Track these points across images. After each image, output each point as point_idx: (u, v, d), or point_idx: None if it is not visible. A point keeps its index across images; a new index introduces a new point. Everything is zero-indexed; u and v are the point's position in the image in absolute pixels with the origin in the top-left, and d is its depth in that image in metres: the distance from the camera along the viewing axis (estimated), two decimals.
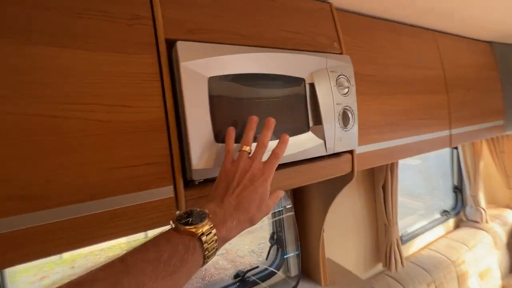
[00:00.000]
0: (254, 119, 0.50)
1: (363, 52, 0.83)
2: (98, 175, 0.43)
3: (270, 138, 0.49)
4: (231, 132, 0.49)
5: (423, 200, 2.33)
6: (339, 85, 0.66)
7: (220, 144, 0.51)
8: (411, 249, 1.50)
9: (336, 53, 0.72)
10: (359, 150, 0.78)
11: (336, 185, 0.82)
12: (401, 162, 1.36)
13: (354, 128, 0.69)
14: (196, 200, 0.51)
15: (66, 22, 0.42)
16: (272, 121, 0.50)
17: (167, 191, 0.48)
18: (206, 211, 0.39)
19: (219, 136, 0.50)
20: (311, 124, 0.62)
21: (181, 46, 0.47)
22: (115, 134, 0.44)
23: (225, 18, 0.57)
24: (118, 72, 0.45)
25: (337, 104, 0.65)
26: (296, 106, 0.61)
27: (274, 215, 1.03)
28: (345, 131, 0.67)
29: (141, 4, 0.48)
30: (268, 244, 1.05)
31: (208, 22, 0.54)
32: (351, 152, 0.75)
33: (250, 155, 0.47)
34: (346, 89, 0.67)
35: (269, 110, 0.57)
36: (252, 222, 0.43)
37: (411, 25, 1.01)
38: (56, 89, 0.40)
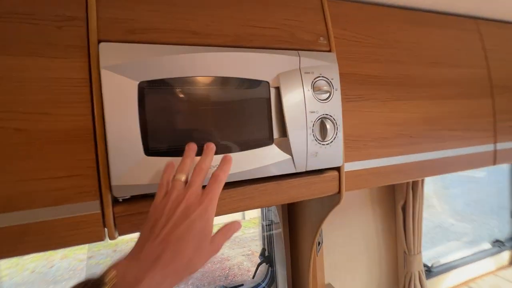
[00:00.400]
0: (192, 147, 0.42)
1: (365, 48, 0.68)
2: (10, 186, 0.40)
3: (210, 164, 0.41)
4: (169, 166, 0.42)
5: (474, 223, 1.95)
6: (316, 89, 0.54)
7: (152, 158, 0.45)
8: (443, 284, 1.25)
9: (323, 51, 0.61)
10: (352, 167, 0.65)
11: (324, 206, 0.70)
12: (457, 173, 1.12)
13: (336, 141, 0.57)
14: (127, 218, 0.46)
15: None
16: (211, 147, 0.42)
17: (92, 206, 0.44)
18: (108, 276, 0.30)
19: (150, 150, 0.45)
20: (275, 135, 0.52)
21: (104, 48, 0.42)
22: (32, 143, 0.41)
23: (176, 15, 0.50)
24: (41, 78, 0.42)
25: (311, 112, 0.54)
26: (257, 115, 0.51)
27: (263, 229, 0.94)
28: (323, 144, 0.55)
29: (76, 4, 0.45)
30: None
31: (155, 20, 0.49)
32: (338, 169, 0.62)
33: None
34: (326, 94, 0.55)
35: (220, 120, 0.49)
36: (190, 270, 0.35)
37: (440, 13, 0.81)
38: None
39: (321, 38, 0.61)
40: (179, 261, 0.33)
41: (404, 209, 1.04)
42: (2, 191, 0.40)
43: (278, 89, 0.52)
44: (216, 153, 0.48)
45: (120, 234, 0.47)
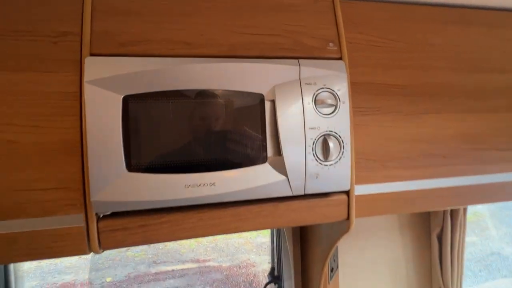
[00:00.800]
0: None
1: (386, 54, 0.60)
2: (2, 196, 0.42)
3: None
4: None
5: None
6: (318, 102, 0.48)
7: (134, 174, 0.43)
8: None
9: (333, 58, 0.54)
10: (365, 190, 0.56)
11: (333, 232, 0.62)
12: None
13: (343, 161, 0.50)
14: (111, 233, 0.45)
15: None
16: None
17: (76, 220, 0.44)
18: None
19: (132, 165, 0.43)
20: (269, 153, 0.47)
21: (89, 62, 0.42)
22: (22, 155, 0.43)
23: (168, 25, 0.49)
24: (34, 92, 0.44)
25: (312, 128, 0.47)
26: (250, 130, 0.47)
27: (272, 247, 0.88)
28: (326, 165, 0.49)
29: (71, 19, 0.46)
30: None
31: (147, 31, 0.48)
32: (346, 192, 0.54)
33: None
34: (331, 108, 0.49)
35: (210, 135, 0.46)
36: None
37: (484, 8, 0.68)
38: None
39: (330, 44, 0.55)
40: None
41: (440, 238, 0.89)
42: None
43: (273, 102, 0.47)
44: (206, 170, 0.45)
45: (103, 249, 0.46)
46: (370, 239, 0.94)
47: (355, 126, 0.56)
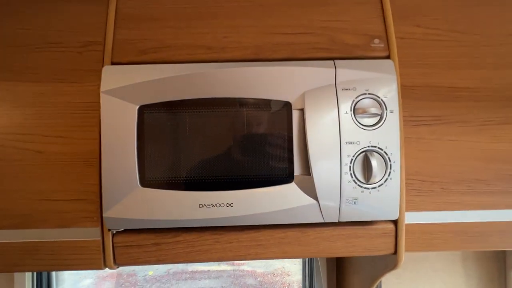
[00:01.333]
0: None
1: (452, 49, 0.48)
2: (28, 205, 0.43)
3: None
4: None
5: None
6: (358, 111, 0.39)
7: (147, 189, 0.40)
8: None
9: (378, 57, 0.45)
10: (418, 219, 0.45)
11: (375, 267, 0.52)
12: None
13: (390, 184, 0.40)
14: (126, 249, 0.43)
15: (21, 57, 0.45)
16: None
17: (93, 233, 0.43)
18: None
19: (146, 180, 0.40)
20: (297, 171, 0.40)
21: (106, 71, 0.40)
22: (47, 165, 0.43)
23: (189, 29, 0.46)
24: (60, 102, 0.44)
25: (349, 143, 0.39)
26: (275, 144, 0.41)
27: (304, 272, 0.79)
28: (367, 188, 0.39)
29: (95, 29, 0.45)
30: None
31: (168, 37, 0.45)
32: (394, 221, 0.44)
33: None
34: (375, 118, 0.40)
35: (229, 150, 0.41)
36: None
37: None
38: (2, 119, 0.44)
39: (376, 41, 0.45)
40: None
41: None
42: (22, 209, 0.43)
43: (302, 111, 0.40)
44: (222, 188, 0.40)
45: (118, 265, 0.44)
46: (422, 272, 0.78)
47: (407, 140, 0.45)
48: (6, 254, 0.43)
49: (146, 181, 0.40)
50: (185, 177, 0.40)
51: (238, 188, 0.40)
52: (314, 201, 0.39)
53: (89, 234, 0.43)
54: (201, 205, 0.40)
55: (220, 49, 0.45)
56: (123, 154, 0.40)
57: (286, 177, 0.40)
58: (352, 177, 0.39)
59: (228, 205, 0.40)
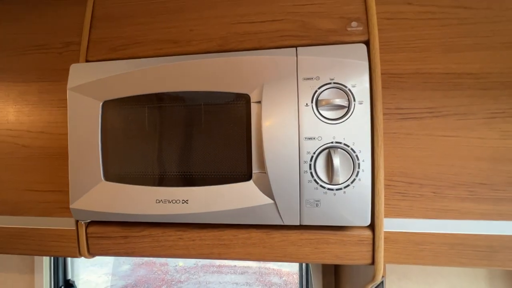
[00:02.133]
0: None
1: (450, 28, 0.40)
2: (16, 194, 0.47)
3: None
4: None
5: None
6: (322, 103, 0.35)
7: (110, 183, 0.41)
8: None
9: (357, 42, 0.40)
10: (406, 227, 0.39)
11: (358, 278, 0.47)
12: None
13: (359, 184, 0.35)
14: (97, 240, 0.45)
15: (11, 60, 0.49)
16: None
17: (69, 223, 0.46)
18: None
19: (109, 174, 0.41)
20: (255, 169, 0.38)
21: (73, 69, 0.42)
22: (32, 158, 0.47)
23: (157, 25, 0.45)
24: (43, 100, 0.47)
25: (309, 138, 0.35)
26: (234, 139, 0.39)
27: (300, 278, 0.75)
28: (331, 189, 0.35)
29: (74, 30, 0.48)
30: None
31: (137, 34, 0.46)
32: (372, 228, 0.39)
33: None
34: (340, 111, 0.35)
35: (189, 144, 0.40)
36: None
37: None
38: None
39: (353, 24, 0.40)
40: None
41: None
42: (11, 197, 0.47)
43: (260, 104, 0.37)
44: (177, 185, 0.39)
45: (92, 255, 0.46)
46: (436, 286, 0.69)
47: (390, 136, 0.39)
48: (4, 238, 0.47)
49: (109, 175, 0.41)
50: (144, 172, 0.40)
51: (193, 184, 0.39)
52: (271, 201, 0.36)
53: (66, 223, 0.46)
54: (157, 201, 0.39)
55: (186, 42, 0.44)
56: (88, 149, 0.41)
57: (243, 175, 0.38)
58: (312, 176, 0.35)
59: (183, 201, 0.39)
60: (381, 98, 0.38)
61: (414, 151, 0.39)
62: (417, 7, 0.41)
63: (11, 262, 0.80)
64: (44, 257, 0.79)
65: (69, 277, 0.86)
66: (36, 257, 0.78)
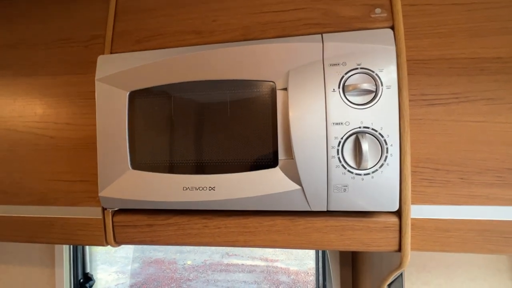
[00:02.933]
0: None
1: (475, 13, 0.40)
2: (44, 184, 0.48)
3: None
4: None
5: None
6: (349, 88, 0.35)
7: (137, 172, 0.42)
8: None
9: (380, 28, 0.40)
10: (433, 213, 0.39)
11: (382, 265, 0.46)
12: None
13: (387, 170, 0.35)
14: (124, 229, 0.46)
15: (39, 54, 0.50)
16: None
17: (96, 212, 0.47)
18: None
19: (136, 163, 0.42)
20: (281, 155, 0.38)
21: (100, 61, 0.43)
22: (58, 149, 0.48)
23: (180, 16, 0.46)
24: (70, 92, 0.48)
25: (336, 123, 0.35)
26: (260, 126, 0.39)
27: (317, 268, 0.75)
28: (359, 174, 0.35)
29: (99, 23, 0.49)
30: None
31: (161, 25, 0.47)
32: (398, 214, 0.39)
33: None
34: (368, 96, 0.35)
35: (215, 132, 0.41)
36: None
37: None
38: (23, 108, 0.50)
39: (377, 10, 0.40)
40: None
41: None
42: (40, 187, 0.49)
43: (286, 91, 0.37)
44: (204, 172, 0.40)
45: (118, 244, 0.47)
46: (457, 280, 0.68)
47: (416, 122, 0.39)
48: (27, 227, 0.49)
49: (136, 164, 0.42)
50: (170, 160, 0.41)
51: (220, 172, 0.39)
52: (298, 187, 0.37)
53: (93, 212, 0.47)
54: (185, 188, 0.40)
55: (209, 33, 0.45)
56: (116, 138, 0.42)
57: (270, 162, 0.38)
58: (340, 161, 0.35)
59: (210, 188, 0.39)
60: (407, 84, 0.38)
61: (440, 137, 0.39)
62: None
63: (32, 256, 0.82)
64: (64, 252, 0.80)
65: (88, 270, 0.87)
66: (56, 252, 0.80)
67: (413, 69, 0.40)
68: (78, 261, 0.85)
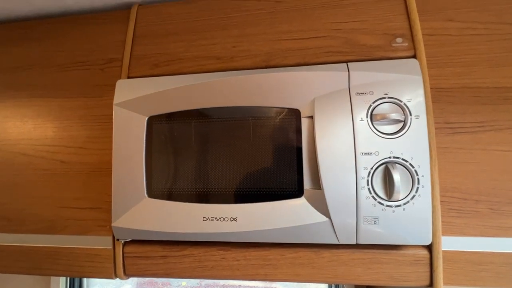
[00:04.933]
0: None
1: (494, 44, 0.41)
2: (52, 211, 0.46)
3: None
4: None
5: None
6: (376, 117, 0.35)
7: (154, 200, 0.40)
8: None
9: (402, 57, 0.40)
10: (462, 245, 0.38)
11: None
12: None
13: (419, 201, 0.34)
14: (135, 260, 0.43)
15: (54, 76, 0.49)
16: None
17: (105, 241, 0.44)
18: None
19: (153, 191, 0.40)
20: (307, 185, 0.37)
21: (119, 85, 0.42)
22: (69, 174, 0.46)
23: (200, 41, 0.46)
24: (83, 115, 0.47)
25: (365, 153, 0.34)
26: (284, 155, 0.38)
27: None
28: (390, 206, 0.34)
29: (116, 47, 0.49)
30: None
31: (180, 50, 0.46)
32: (428, 247, 0.37)
33: None
34: (397, 125, 0.35)
35: (236, 161, 0.39)
36: None
37: None
38: (33, 131, 0.48)
39: (398, 40, 0.41)
40: None
41: None
42: (48, 214, 0.46)
43: (312, 119, 0.37)
44: (226, 202, 0.38)
45: (128, 276, 0.44)
46: None
47: (441, 150, 0.39)
48: (31, 257, 0.46)
49: (153, 192, 0.40)
50: (190, 188, 0.39)
51: (242, 201, 0.38)
52: (326, 219, 0.35)
53: (103, 242, 0.44)
54: (204, 218, 0.38)
55: (229, 58, 0.45)
56: (132, 164, 0.40)
57: (295, 191, 0.37)
58: (370, 192, 0.34)
59: (232, 219, 0.37)
60: (432, 113, 0.38)
61: (467, 165, 0.39)
62: (459, 24, 0.42)
63: (27, 283, 0.77)
64: (60, 280, 0.76)
65: None
66: (52, 279, 0.76)
67: (436, 98, 0.40)
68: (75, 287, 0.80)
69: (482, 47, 0.41)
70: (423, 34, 0.41)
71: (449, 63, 0.41)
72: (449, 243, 0.38)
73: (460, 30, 0.41)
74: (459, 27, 0.41)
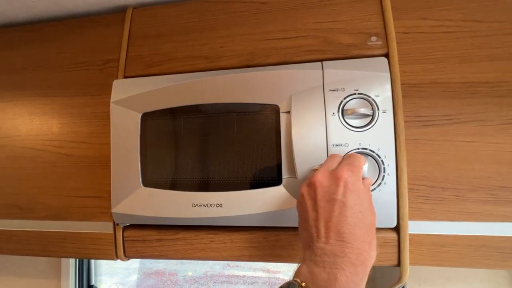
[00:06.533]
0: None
1: (466, 40, 0.43)
2: (59, 200, 0.51)
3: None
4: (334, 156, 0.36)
5: None
6: (347, 112, 0.38)
7: (148, 189, 0.44)
8: None
9: (376, 55, 0.43)
10: (430, 229, 0.41)
11: (383, 282, 0.48)
12: None
13: (385, 188, 0.37)
14: (133, 243, 0.48)
15: (57, 76, 0.53)
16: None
17: (107, 227, 0.49)
18: (297, 282, 0.29)
19: (148, 180, 0.45)
20: (285, 174, 0.40)
21: (116, 84, 0.46)
22: (73, 166, 0.51)
23: (190, 42, 0.50)
24: (85, 112, 0.51)
25: (336, 145, 0.38)
26: (265, 147, 0.42)
27: None
28: None
29: (113, 48, 0.52)
30: None
31: (171, 51, 0.50)
32: (397, 230, 0.41)
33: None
34: (365, 119, 0.38)
35: (221, 152, 0.43)
36: (367, 261, 0.30)
37: None
38: (40, 127, 0.53)
39: (373, 38, 0.43)
40: (362, 248, 0.30)
41: None
42: (55, 203, 0.51)
43: (289, 114, 0.40)
44: (212, 190, 0.42)
45: (128, 258, 0.49)
46: None
47: (411, 142, 0.42)
48: (41, 240, 0.51)
49: (147, 182, 0.45)
50: (180, 178, 0.43)
51: (227, 189, 0.41)
52: None
53: (104, 227, 0.49)
54: (193, 205, 0.42)
55: (217, 58, 0.48)
56: (129, 157, 0.45)
57: (274, 180, 0.41)
58: None
59: (218, 205, 0.41)
60: (402, 107, 0.41)
61: (435, 156, 0.42)
62: (431, 22, 0.44)
63: (39, 268, 0.83)
64: (70, 264, 0.82)
65: (92, 282, 0.88)
66: (62, 264, 0.82)
67: (408, 92, 0.43)
68: (84, 273, 0.86)
69: (452, 44, 0.43)
70: (398, 32, 0.44)
71: (421, 60, 0.43)
72: (416, 227, 0.41)
73: (432, 28, 0.44)
74: (431, 25, 0.44)
